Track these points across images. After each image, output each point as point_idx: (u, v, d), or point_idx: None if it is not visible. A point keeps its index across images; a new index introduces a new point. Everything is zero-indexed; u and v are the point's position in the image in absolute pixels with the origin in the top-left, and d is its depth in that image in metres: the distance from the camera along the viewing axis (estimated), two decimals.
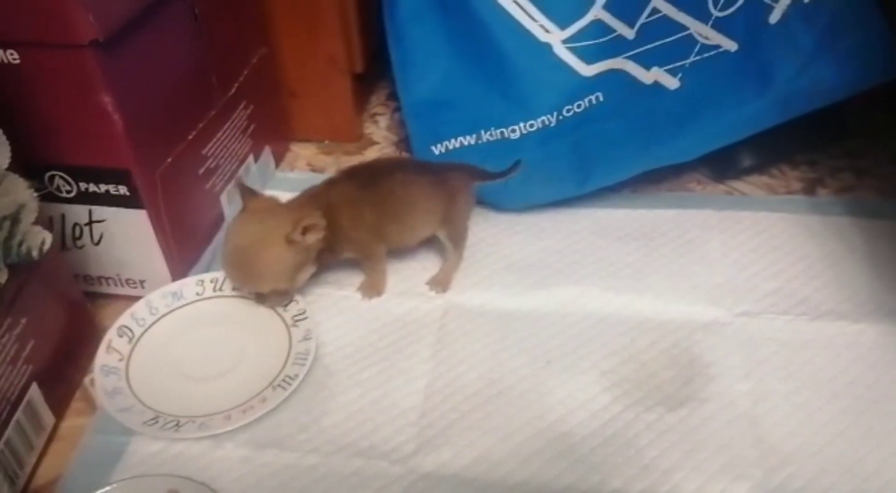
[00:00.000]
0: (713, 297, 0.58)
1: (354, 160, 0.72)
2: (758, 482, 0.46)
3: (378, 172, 0.55)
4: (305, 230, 0.51)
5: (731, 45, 0.61)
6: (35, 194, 0.44)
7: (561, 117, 0.64)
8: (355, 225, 0.55)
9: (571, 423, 0.50)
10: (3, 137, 0.43)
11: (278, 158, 0.71)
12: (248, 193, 0.53)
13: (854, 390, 0.51)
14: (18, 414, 0.46)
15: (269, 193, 0.65)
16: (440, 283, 0.59)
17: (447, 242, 0.59)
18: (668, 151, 0.61)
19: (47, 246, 0.45)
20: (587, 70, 0.63)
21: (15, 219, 0.43)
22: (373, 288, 0.58)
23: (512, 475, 0.47)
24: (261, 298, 0.55)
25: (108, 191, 0.52)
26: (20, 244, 0.44)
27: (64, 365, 0.51)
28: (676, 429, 0.50)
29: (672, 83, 0.61)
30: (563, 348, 0.55)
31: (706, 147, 0.61)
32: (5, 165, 0.42)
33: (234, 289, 0.55)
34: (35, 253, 0.45)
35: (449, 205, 0.58)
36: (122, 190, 0.52)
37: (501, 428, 0.50)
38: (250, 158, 0.65)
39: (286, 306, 0.55)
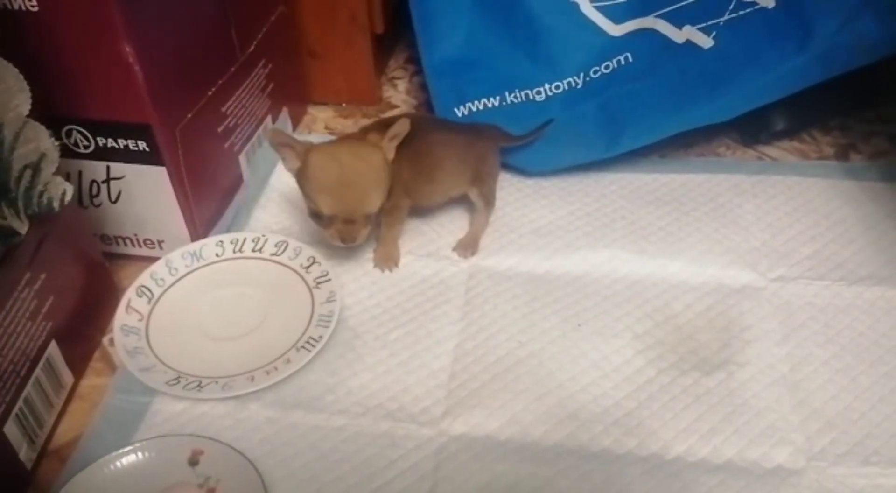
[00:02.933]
0: (748, 261, 0.56)
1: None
2: (800, 447, 0.45)
3: (413, 128, 0.53)
4: (392, 139, 0.50)
5: (768, 2, 0.59)
6: (56, 144, 0.42)
7: (588, 78, 0.62)
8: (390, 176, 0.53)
9: (605, 386, 0.49)
10: (24, 83, 0.41)
11: (296, 121, 0.70)
12: (293, 141, 0.50)
13: None
14: (38, 371, 0.44)
15: None
16: (468, 246, 0.57)
17: (478, 200, 0.58)
18: (702, 113, 0.59)
19: (68, 197, 0.44)
20: (615, 30, 0.61)
21: (36, 168, 0.41)
22: (388, 259, 0.56)
23: (546, 438, 0.46)
24: (355, 230, 0.50)
25: (126, 146, 0.50)
26: (41, 195, 0.42)
27: (83, 324, 0.50)
28: (714, 392, 0.48)
29: (706, 42, 0.60)
30: (594, 311, 0.53)
31: (742, 108, 0.59)
32: (26, 112, 0.41)
33: (329, 220, 0.50)
34: (56, 204, 0.43)
35: (480, 164, 0.57)
36: (142, 146, 0.50)
37: (533, 390, 0.48)
38: (268, 118, 0.64)
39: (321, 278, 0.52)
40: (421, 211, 0.59)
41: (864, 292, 0.54)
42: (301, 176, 0.51)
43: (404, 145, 0.52)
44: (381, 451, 0.45)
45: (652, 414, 0.47)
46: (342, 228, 0.51)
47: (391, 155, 0.52)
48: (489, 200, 0.58)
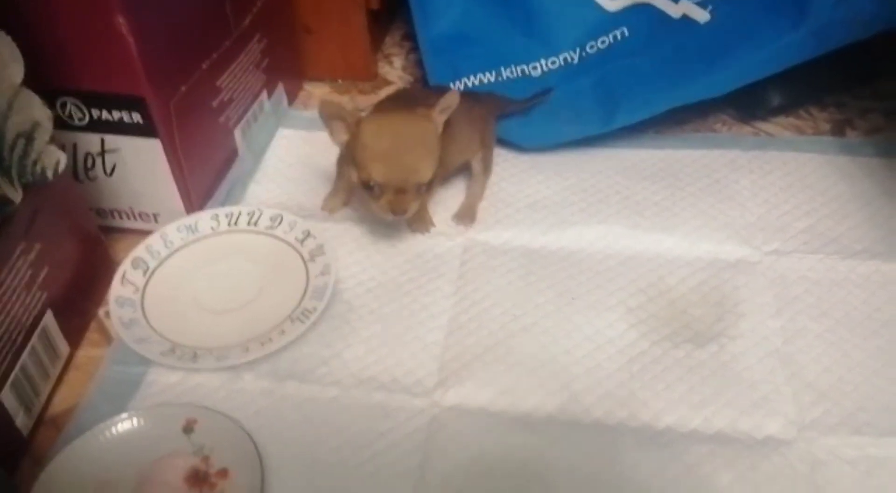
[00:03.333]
0: (743, 236, 0.56)
1: (370, 100, 0.70)
2: (791, 418, 0.45)
3: (417, 100, 0.54)
4: (443, 111, 0.50)
5: None
6: (49, 113, 0.42)
7: (584, 53, 0.62)
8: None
9: (598, 358, 0.49)
10: (18, 52, 0.41)
11: (291, 97, 0.69)
12: (344, 112, 0.50)
13: (890, 329, 0.50)
14: (34, 340, 0.45)
15: (283, 130, 0.66)
16: (466, 216, 0.58)
17: (479, 165, 0.58)
18: (698, 88, 0.59)
19: (62, 166, 0.44)
20: (611, 4, 0.61)
21: (29, 137, 0.41)
22: (423, 222, 0.56)
23: (538, 409, 0.46)
24: (407, 201, 0.50)
25: (121, 118, 0.50)
26: (35, 164, 0.42)
27: (79, 296, 0.50)
28: (706, 365, 0.48)
29: (702, 16, 0.59)
30: (588, 285, 0.53)
31: (738, 82, 0.58)
32: (19, 81, 0.41)
33: (379, 189, 0.49)
34: (50, 173, 0.43)
35: (486, 129, 0.58)
36: (136, 118, 0.50)
37: (526, 363, 0.49)
38: (263, 94, 0.63)
39: (316, 252, 0.52)
40: (442, 182, 0.59)
41: (858, 266, 0.54)
42: (352, 146, 0.51)
43: None
44: (373, 422, 0.46)
45: (644, 386, 0.47)
46: (393, 198, 0.50)
47: (440, 128, 0.51)
48: (488, 167, 0.59)
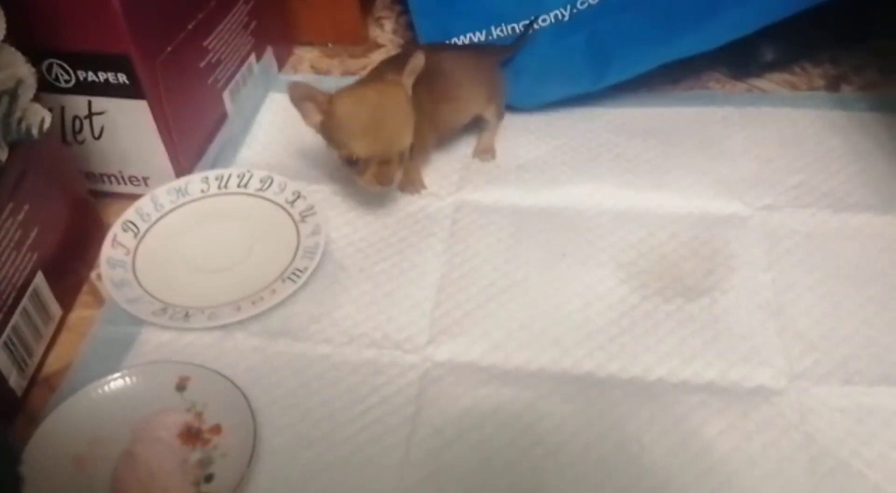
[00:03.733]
0: (735, 191, 0.56)
1: (360, 64, 0.70)
2: (781, 369, 0.45)
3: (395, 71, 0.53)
4: (410, 75, 0.50)
5: None
6: (34, 71, 0.42)
7: (575, 10, 0.61)
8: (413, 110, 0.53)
9: (589, 313, 0.49)
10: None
11: (281, 61, 0.69)
12: (315, 92, 0.50)
13: (881, 280, 0.50)
14: (25, 301, 0.45)
15: (273, 94, 0.65)
16: (486, 150, 0.59)
17: (493, 118, 0.59)
18: (690, 42, 0.58)
19: (47, 124, 0.44)
20: None
21: (13, 95, 0.41)
22: (415, 183, 0.57)
23: (529, 363, 0.46)
24: (392, 171, 0.50)
25: (107, 80, 0.50)
26: (20, 122, 0.42)
27: (70, 259, 0.50)
28: (697, 318, 0.48)
29: None
30: (578, 242, 0.53)
31: (730, 35, 0.58)
32: (1, 37, 0.41)
33: (363, 159, 0.49)
34: (35, 131, 0.43)
35: (491, 81, 0.58)
36: (122, 78, 0.50)
37: (517, 318, 0.49)
38: (252, 57, 0.63)
39: (305, 215, 0.52)
40: (445, 140, 0.59)
41: (850, 219, 0.54)
42: (328, 126, 0.50)
43: (418, 77, 0.52)
44: (365, 377, 0.46)
45: (635, 339, 0.47)
46: (378, 170, 0.50)
47: (408, 96, 0.51)
48: (500, 113, 0.60)
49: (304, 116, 0.51)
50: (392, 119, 0.50)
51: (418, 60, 0.51)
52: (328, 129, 0.51)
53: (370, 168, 0.50)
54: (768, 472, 0.41)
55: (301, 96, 0.50)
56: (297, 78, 0.69)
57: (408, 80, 0.51)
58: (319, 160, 0.60)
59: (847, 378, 0.45)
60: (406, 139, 0.50)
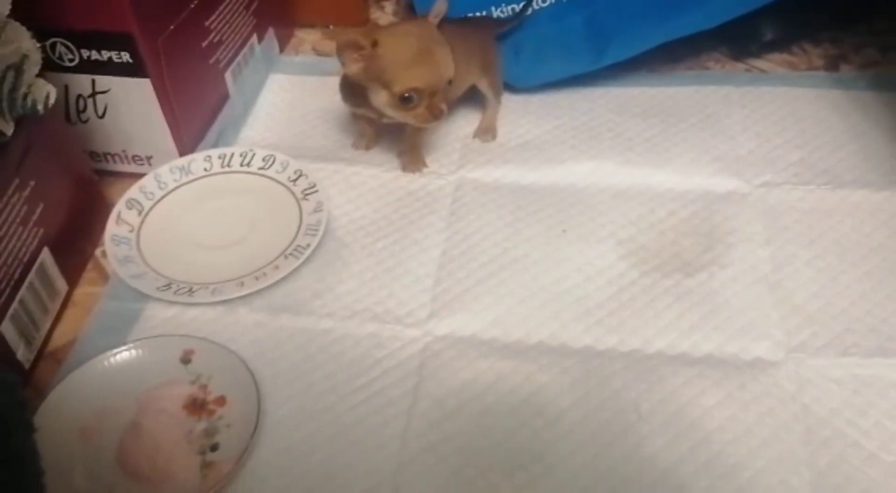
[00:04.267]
0: (734, 169, 0.56)
1: None
2: (778, 341, 0.46)
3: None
4: (436, 17, 0.52)
5: None
6: (38, 46, 0.42)
7: None
8: None
9: (588, 288, 0.49)
10: None
11: (283, 43, 0.69)
12: (356, 36, 0.50)
13: (879, 254, 0.50)
14: (31, 276, 0.46)
15: (274, 75, 0.66)
16: (487, 130, 0.59)
17: (488, 91, 0.59)
18: (690, 20, 0.58)
19: (52, 99, 0.44)
20: None
21: (18, 69, 0.42)
22: (417, 162, 0.57)
23: (529, 337, 0.47)
24: (440, 102, 0.50)
25: (110, 58, 0.50)
26: (25, 97, 0.43)
27: (75, 236, 0.51)
28: (695, 292, 0.49)
29: None
30: (579, 218, 0.53)
31: (729, 14, 0.57)
32: (6, 13, 0.41)
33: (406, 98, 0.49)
34: (40, 106, 0.43)
35: (485, 53, 0.58)
36: (125, 57, 0.50)
37: (517, 293, 0.49)
38: (254, 37, 0.63)
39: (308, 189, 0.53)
40: None
41: (849, 195, 0.54)
42: (374, 68, 0.50)
43: None
44: (367, 351, 0.47)
45: (633, 314, 0.48)
46: (429, 103, 0.50)
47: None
48: (497, 91, 0.60)
49: (345, 63, 0.51)
50: (437, 49, 0.51)
51: (441, 5, 0.52)
52: (375, 70, 0.50)
53: (422, 102, 0.50)
54: (764, 441, 0.41)
55: (344, 43, 0.50)
56: (298, 59, 0.71)
57: (434, 20, 0.52)
58: (321, 140, 0.61)
59: (844, 350, 0.45)
60: (451, 68, 0.51)
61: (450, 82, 0.52)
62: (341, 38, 0.50)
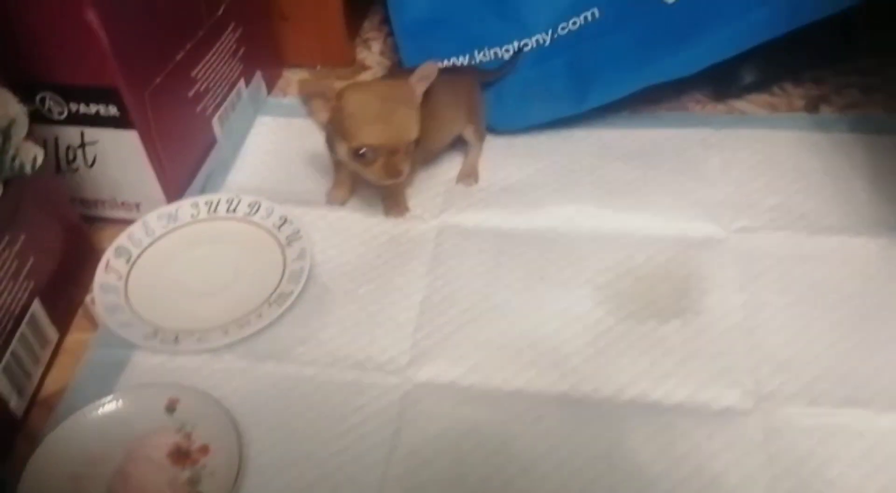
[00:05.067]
0: (711, 214, 0.57)
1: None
2: (750, 389, 0.47)
3: (402, 76, 0.55)
4: (420, 80, 0.52)
5: None
6: (25, 110, 0.44)
7: (556, 35, 0.62)
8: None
9: (565, 335, 0.51)
10: None
11: (270, 84, 0.70)
12: (323, 87, 0.51)
13: (852, 302, 0.51)
14: (23, 328, 0.47)
15: (262, 117, 0.67)
16: (469, 175, 0.60)
17: (472, 138, 0.60)
18: (669, 66, 0.59)
19: (39, 162, 0.46)
20: None
21: (6, 133, 0.43)
22: (399, 206, 0.58)
23: (506, 384, 0.48)
24: (399, 162, 0.51)
25: (98, 111, 0.52)
26: (13, 159, 0.44)
27: (65, 284, 0.52)
28: (669, 339, 0.50)
29: None
30: (558, 264, 0.55)
31: (709, 60, 0.59)
32: None
33: (364, 152, 0.50)
34: (28, 168, 0.45)
35: (471, 101, 0.59)
36: (112, 110, 0.51)
37: (495, 340, 0.50)
38: (241, 82, 0.65)
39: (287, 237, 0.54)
40: (427, 161, 0.61)
41: (824, 241, 0.55)
42: (337, 120, 0.51)
43: None
44: (347, 398, 0.48)
45: (609, 361, 0.49)
46: (387, 161, 0.51)
47: (418, 98, 0.52)
48: (481, 136, 0.61)
49: (312, 112, 0.52)
50: (401, 109, 0.51)
51: (430, 67, 0.52)
52: (336, 122, 0.51)
53: (379, 160, 0.51)
54: (729, 491, 0.42)
55: (311, 92, 0.51)
56: (286, 101, 0.72)
57: (417, 83, 0.52)
58: (307, 184, 0.62)
59: (813, 399, 0.46)
60: (414, 131, 0.51)
61: (416, 144, 0.52)
62: (307, 88, 0.52)
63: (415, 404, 0.47)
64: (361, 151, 0.51)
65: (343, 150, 0.52)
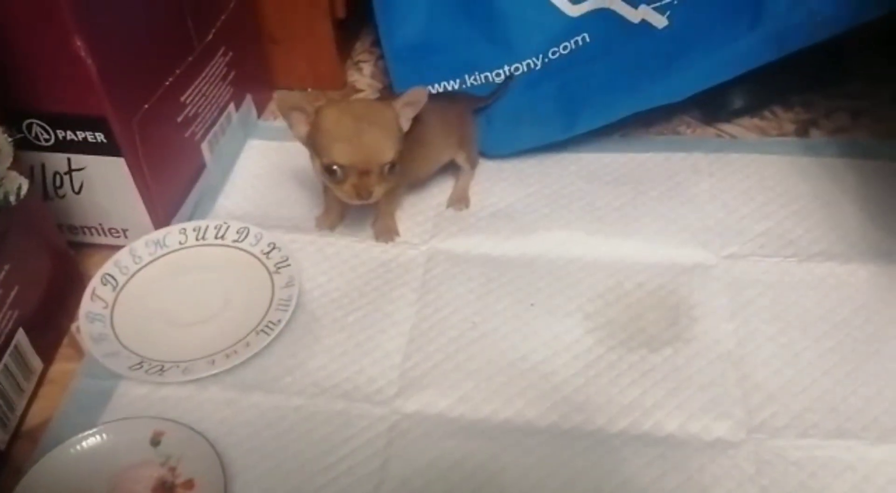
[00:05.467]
0: (701, 240, 0.57)
1: None
2: (740, 420, 0.46)
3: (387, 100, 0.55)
4: (406, 105, 0.51)
5: None
6: (10, 140, 0.43)
7: (546, 60, 0.62)
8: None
9: (555, 364, 0.50)
10: None
11: (260, 107, 0.70)
12: (302, 103, 0.51)
13: (842, 330, 0.51)
14: (6, 358, 0.46)
15: (252, 141, 0.67)
16: (460, 200, 0.60)
17: (464, 163, 0.60)
18: (658, 92, 0.59)
19: (24, 192, 0.45)
20: (573, 10, 0.62)
21: None
22: (388, 231, 0.58)
23: (495, 415, 0.48)
24: (371, 184, 0.50)
25: (85, 138, 0.51)
26: None
27: (50, 312, 0.52)
28: (659, 369, 0.50)
29: (660, 21, 0.60)
30: (547, 291, 0.54)
31: (697, 86, 0.59)
32: None
33: (339, 168, 0.49)
34: (12, 198, 0.44)
35: (462, 127, 0.59)
36: (100, 137, 0.51)
37: (484, 370, 0.50)
38: (231, 106, 0.64)
39: (276, 263, 0.53)
40: (416, 185, 0.61)
41: (814, 268, 0.55)
42: (313, 135, 0.51)
43: None
44: (335, 429, 0.47)
45: (598, 390, 0.49)
46: (357, 181, 0.50)
47: (403, 122, 0.52)
48: (474, 162, 0.61)
49: (292, 125, 0.52)
50: (376, 130, 0.50)
51: (419, 95, 0.51)
52: (313, 138, 0.51)
53: (349, 179, 0.51)
54: None
55: (290, 106, 0.51)
56: (276, 124, 0.71)
57: (402, 109, 0.52)
58: (297, 209, 0.62)
59: (803, 431, 0.46)
60: (388, 153, 0.51)
61: (392, 167, 0.51)
62: (287, 101, 0.51)
63: (402, 435, 0.47)
64: (333, 168, 0.51)
65: (317, 165, 0.52)
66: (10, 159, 0.44)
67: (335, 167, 0.51)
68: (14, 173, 0.44)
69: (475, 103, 0.62)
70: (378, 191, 0.51)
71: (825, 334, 0.51)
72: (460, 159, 0.60)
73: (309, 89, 0.74)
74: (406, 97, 0.52)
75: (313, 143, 0.52)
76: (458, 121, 0.60)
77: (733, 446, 0.45)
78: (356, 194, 0.51)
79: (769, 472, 0.44)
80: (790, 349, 0.50)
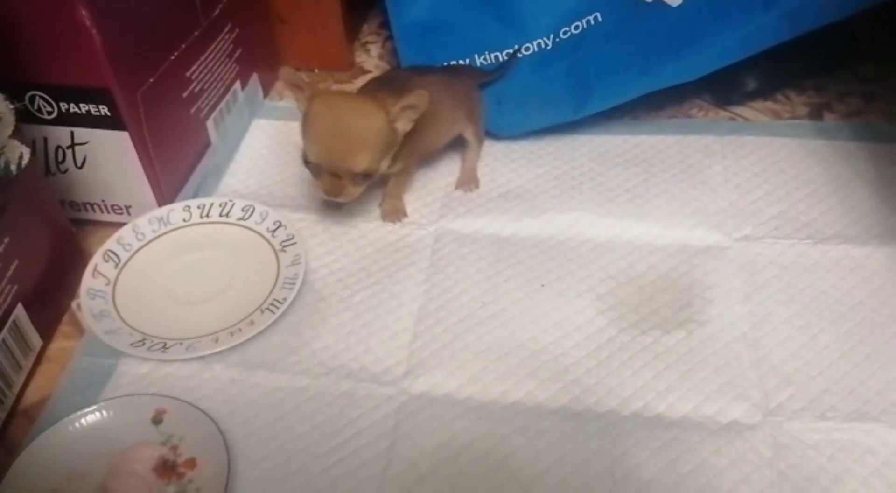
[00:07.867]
0: (714, 222, 0.56)
1: (346, 89, 0.70)
2: (757, 403, 0.45)
3: (402, 79, 0.55)
4: (405, 109, 0.50)
5: None
6: (11, 107, 0.42)
7: (557, 39, 0.61)
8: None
9: (566, 345, 0.49)
10: None
11: (267, 87, 0.69)
12: (302, 83, 0.50)
13: (859, 313, 0.50)
14: (4, 333, 0.45)
15: (258, 121, 0.66)
16: (469, 180, 0.59)
17: (472, 139, 0.59)
18: (671, 72, 0.58)
19: (25, 161, 0.44)
20: None
21: None
22: (397, 211, 0.57)
23: (505, 396, 0.46)
24: (340, 187, 0.50)
25: (88, 111, 0.50)
26: None
27: (50, 289, 0.50)
28: (673, 351, 0.48)
29: (674, 0, 0.59)
30: (558, 272, 0.53)
31: (711, 66, 0.58)
32: None
33: (315, 164, 0.49)
34: (14, 167, 0.43)
35: (469, 101, 0.58)
36: (103, 110, 0.50)
37: (494, 350, 0.49)
38: (237, 84, 0.63)
39: (283, 244, 0.52)
40: (427, 160, 0.60)
41: (829, 250, 0.54)
42: (302, 119, 0.51)
43: (403, 93, 0.50)
44: (341, 410, 0.46)
45: (611, 372, 0.48)
46: (327, 180, 0.50)
47: (402, 124, 0.51)
48: (481, 138, 0.60)
49: (297, 99, 0.52)
50: (352, 138, 0.49)
51: (419, 99, 0.50)
52: (302, 122, 0.51)
53: (321, 175, 0.51)
54: None
55: (290, 82, 0.51)
56: (283, 104, 0.70)
57: (400, 112, 0.50)
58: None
59: (822, 414, 0.45)
60: (360, 163, 0.50)
61: (367, 176, 0.50)
62: (290, 77, 0.51)
63: (410, 417, 0.46)
64: (308, 160, 0.51)
65: (301, 150, 0.52)
66: (11, 127, 0.43)
67: (308, 159, 0.51)
68: (15, 142, 0.43)
69: (481, 78, 0.62)
70: (350, 194, 0.51)
71: (842, 316, 0.50)
72: (468, 133, 0.59)
73: (315, 70, 0.73)
74: (407, 100, 0.50)
75: (301, 126, 0.51)
76: (466, 94, 0.59)
77: (749, 428, 0.44)
78: (325, 192, 0.51)
79: (787, 455, 0.43)
80: (806, 332, 0.49)
